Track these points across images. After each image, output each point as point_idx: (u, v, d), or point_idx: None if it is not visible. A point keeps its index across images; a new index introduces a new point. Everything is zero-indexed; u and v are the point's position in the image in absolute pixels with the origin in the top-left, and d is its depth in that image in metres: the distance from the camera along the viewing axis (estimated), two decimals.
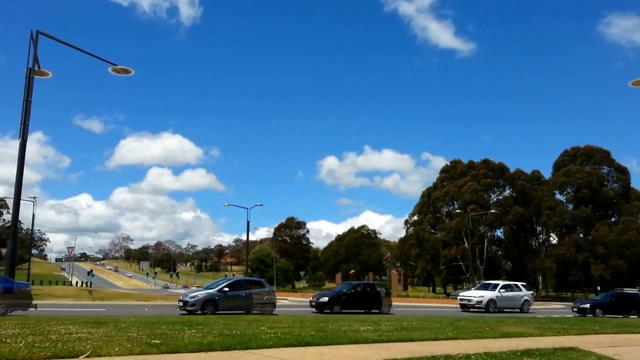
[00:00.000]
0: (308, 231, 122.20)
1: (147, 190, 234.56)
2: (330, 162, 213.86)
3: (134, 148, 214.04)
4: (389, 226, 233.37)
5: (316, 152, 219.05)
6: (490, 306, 26.11)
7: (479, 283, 38.79)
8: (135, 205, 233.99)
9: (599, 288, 65.46)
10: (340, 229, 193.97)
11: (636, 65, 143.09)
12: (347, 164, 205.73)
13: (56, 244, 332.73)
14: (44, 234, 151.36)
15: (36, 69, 13.22)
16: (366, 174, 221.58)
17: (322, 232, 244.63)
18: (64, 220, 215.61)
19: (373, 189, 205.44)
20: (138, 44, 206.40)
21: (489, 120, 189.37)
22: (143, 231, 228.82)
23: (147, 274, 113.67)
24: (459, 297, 29.19)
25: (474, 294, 27.32)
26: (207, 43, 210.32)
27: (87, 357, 5.67)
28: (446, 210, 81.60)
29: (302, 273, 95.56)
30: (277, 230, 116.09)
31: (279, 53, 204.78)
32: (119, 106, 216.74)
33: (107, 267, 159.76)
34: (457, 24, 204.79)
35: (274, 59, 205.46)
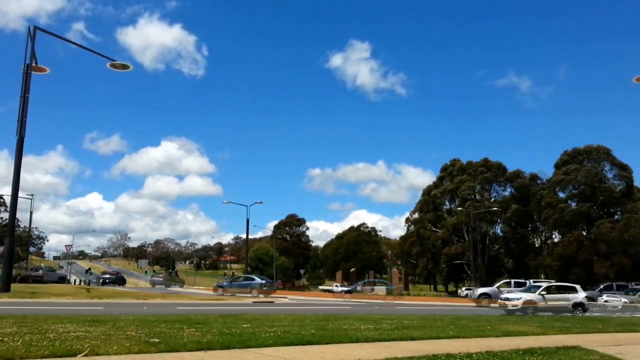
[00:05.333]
0: (308, 229, 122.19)
1: (152, 196, 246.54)
2: (315, 172, 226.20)
3: (139, 157, 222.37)
4: (380, 224, 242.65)
5: (304, 162, 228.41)
6: None
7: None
8: (140, 209, 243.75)
9: (602, 286, 65.37)
10: (335, 228, 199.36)
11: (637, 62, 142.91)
12: (330, 176, 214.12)
13: (62, 242, 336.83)
14: (42, 231, 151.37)
15: (34, 64, 13.15)
16: (348, 186, 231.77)
17: (318, 231, 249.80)
18: (73, 222, 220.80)
19: (358, 195, 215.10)
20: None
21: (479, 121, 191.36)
22: (146, 232, 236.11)
23: (146, 272, 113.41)
24: None
25: None
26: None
27: (85, 355, 5.62)
28: (446, 208, 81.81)
29: (302, 271, 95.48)
30: (276, 227, 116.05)
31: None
32: (123, 115, 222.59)
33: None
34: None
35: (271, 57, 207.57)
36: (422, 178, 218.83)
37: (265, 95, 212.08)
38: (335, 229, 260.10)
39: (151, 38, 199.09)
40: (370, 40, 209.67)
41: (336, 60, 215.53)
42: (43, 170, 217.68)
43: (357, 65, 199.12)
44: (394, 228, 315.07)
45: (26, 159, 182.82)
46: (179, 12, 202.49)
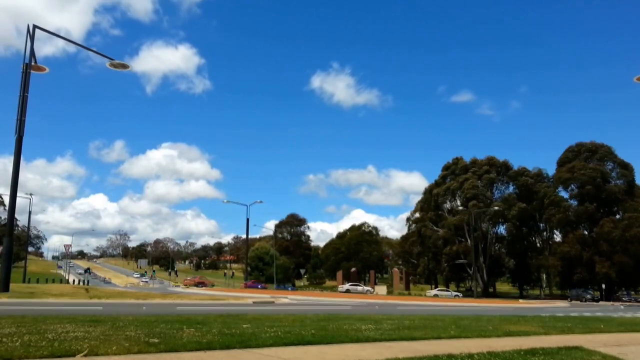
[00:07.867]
0: (309, 228, 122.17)
1: (154, 198, 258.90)
2: (309, 177, 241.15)
3: (142, 161, 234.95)
4: (376, 225, 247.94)
5: (301, 167, 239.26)
6: None
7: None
8: (143, 211, 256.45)
9: (603, 286, 65.04)
10: (333, 228, 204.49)
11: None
12: (323, 181, 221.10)
13: (64, 242, 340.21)
14: (40, 231, 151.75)
15: (33, 63, 13.11)
16: (341, 190, 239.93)
17: (317, 231, 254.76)
18: (78, 222, 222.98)
19: (351, 198, 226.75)
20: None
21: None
22: (149, 233, 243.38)
23: (145, 272, 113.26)
24: None
25: None
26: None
27: (85, 356, 5.57)
28: (448, 207, 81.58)
29: (302, 271, 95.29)
30: (277, 227, 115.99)
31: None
32: (126, 122, 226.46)
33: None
34: None
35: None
36: (410, 180, 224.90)
37: (262, 100, 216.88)
38: (333, 229, 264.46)
39: (158, 61, 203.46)
40: (350, 62, 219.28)
41: (318, 80, 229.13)
42: (52, 174, 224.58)
43: (337, 83, 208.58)
44: (389, 229, 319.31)
45: (37, 163, 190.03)
46: (182, 35, 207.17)
